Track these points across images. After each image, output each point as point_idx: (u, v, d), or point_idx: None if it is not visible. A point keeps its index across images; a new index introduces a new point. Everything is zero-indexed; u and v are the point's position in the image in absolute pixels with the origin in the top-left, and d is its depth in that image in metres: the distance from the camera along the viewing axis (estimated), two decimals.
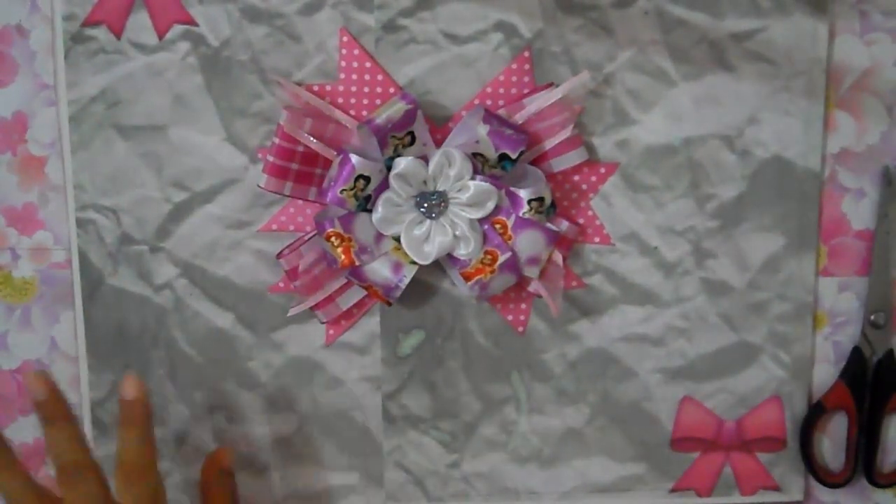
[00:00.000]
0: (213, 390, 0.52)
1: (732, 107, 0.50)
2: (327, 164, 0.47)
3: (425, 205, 0.47)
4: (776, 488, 0.54)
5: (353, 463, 0.53)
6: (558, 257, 0.49)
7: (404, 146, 0.46)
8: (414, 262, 0.47)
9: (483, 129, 0.46)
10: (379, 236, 0.47)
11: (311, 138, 0.46)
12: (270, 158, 0.46)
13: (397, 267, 0.47)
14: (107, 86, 0.49)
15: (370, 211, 0.47)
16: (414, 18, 0.49)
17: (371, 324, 0.51)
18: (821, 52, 0.50)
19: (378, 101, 0.49)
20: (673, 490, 0.54)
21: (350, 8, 0.49)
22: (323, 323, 0.50)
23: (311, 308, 0.49)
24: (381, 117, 0.45)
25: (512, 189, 0.47)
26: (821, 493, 0.54)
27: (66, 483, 0.41)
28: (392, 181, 0.46)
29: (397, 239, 0.47)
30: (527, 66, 0.49)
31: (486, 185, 0.47)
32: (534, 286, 0.49)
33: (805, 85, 0.50)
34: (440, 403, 0.52)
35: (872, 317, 0.52)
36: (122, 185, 0.50)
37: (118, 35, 0.49)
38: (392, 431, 0.52)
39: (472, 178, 0.47)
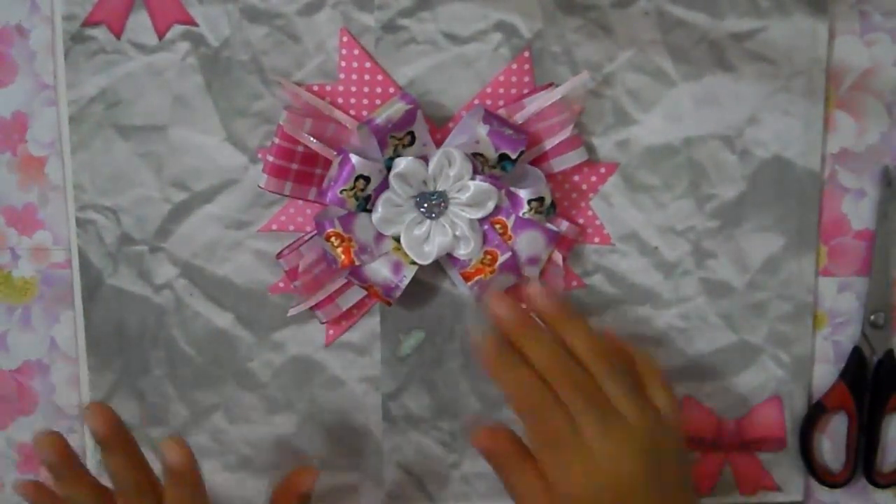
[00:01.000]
0: (213, 390, 0.52)
1: (732, 107, 0.50)
2: (327, 164, 0.47)
3: (425, 205, 0.47)
4: (776, 488, 0.54)
5: (353, 463, 0.53)
6: (558, 257, 0.49)
7: (404, 146, 0.46)
8: (414, 262, 0.47)
9: (483, 129, 0.46)
10: (379, 236, 0.47)
11: (311, 138, 0.46)
12: (270, 158, 0.46)
13: (397, 267, 0.47)
14: (107, 86, 0.49)
15: (370, 211, 0.47)
16: (414, 18, 0.49)
17: (371, 324, 0.51)
18: (821, 52, 0.50)
19: (378, 101, 0.49)
20: None
21: (350, 8, 0.49)
22: (323, 323, 0.50)
23: (311, 308, 0.49)
24: (381, 117, 0.45)
25: (512, 189, 0.47)
26: (821, 493, 0.54)
27: (125, 501, 0.41)
28: (392, 181, 0.46)
29: (397, 239, 0.47)
30: (527, 66, 0.49)
31: (486, 186, 0.47)
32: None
33: (805, 85, 0.50)
34: (440, 403, 0.52)
35: (872, 317, 0.52)
36: (122, 185, 0.50)
37: (118, 35, 0.49)
38: (392, 431, 0.52)
39: (472, 178, 0.47)
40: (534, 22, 0.49)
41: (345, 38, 0.49)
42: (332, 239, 0.46)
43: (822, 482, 0.53)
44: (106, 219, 0.50)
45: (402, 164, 0.46)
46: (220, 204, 0.50)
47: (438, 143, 0.48)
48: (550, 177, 0.49)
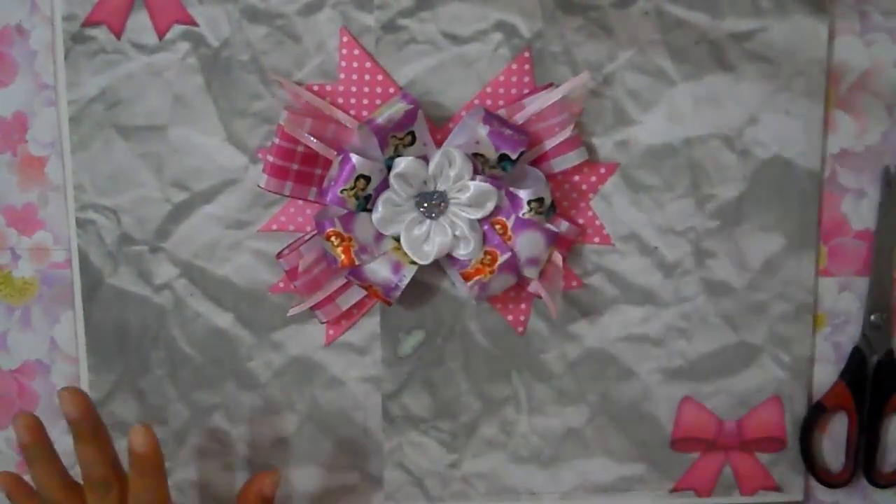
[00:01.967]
0: (212, 390, 0.52)
1: (732, 107, 0.50)
2: (327, 164, 0.47)
3: (425, 205, 0.47)
4: (776, 488, 0.54)
5: (353, 463, 0.53)
6: (558, 258, 0.49)
7: (404, 146, 0.46)
8: (414, 262, 0.47)
9: (483, 130, 0.46)
10: (379, 236, 0.47)
11: (312, 138, 0.46)
12: (270, 158, 0.46)
13: (397, 267, 0.47)
14: (107, 86, 0.49)
15: (370, 211, 0.47)
16: (414, 18, 0.49)
17: (371, 324, 0.51)
18: (821, 52, 0.50)
19: (378, 101, 0.49)
20: (673, 490, 0.54)
21: (350, 8, 0.49)
22: (323, 323, 0.50)
23: (311, 308, 0.49)
24: (382, 117, 0.45)
25: (512, 189, 0.47)
26: (821, 493, 0.54)
27: (92, 493, 0.42)
28: (392, 181, 0.46)
29: (397, 239, 0.47)
30: (527, 66, 0.49)
31: (486, 186, 0.47)
32: (533, 286, 0.49)
33: (805, 85, 0.50)
34: (440, 403, 0.52)
35: (872, 317, 0.52)
36: (122, 185, 0.50)
37: (118, 35, 0.49)
38: (392, 431, 0.52)
39: (472, 179, 0.47)
40: (534, 22, 0.49)
41: (345, 38, 0.49)
42: (332, 238, 0.46)
43: (822, 482, 0.53)
44: (106, 219, 0.50)
45: (402, 163, 0.46)
46: (220, 204, 0.50)
47: (438, 143, 0.48)
48: (550, 177, 0.49)
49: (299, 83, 0.49)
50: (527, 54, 0.49)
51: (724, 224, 0.51)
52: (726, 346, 0.52)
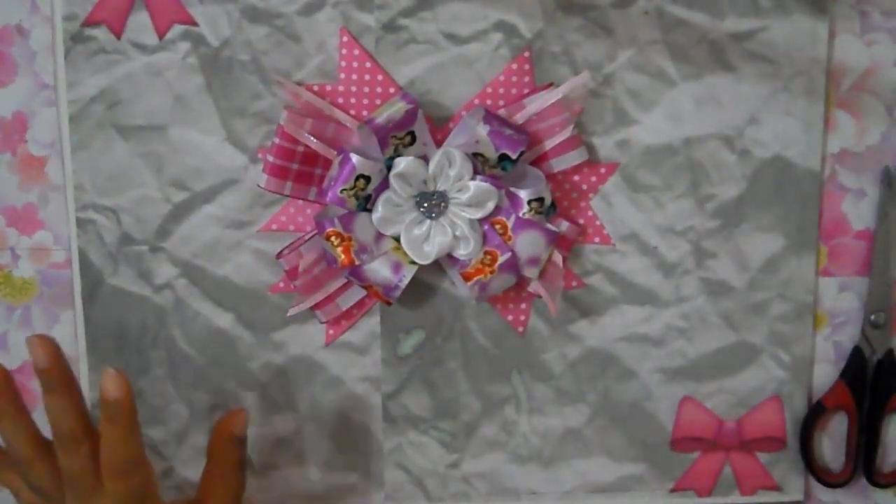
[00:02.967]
0: (212, 390, 0.52)
1: (732, 107, 0.50)
2: (327, 164, 0.47)
3: (425, 205, 0.47)
4: (776, 488, 0.54)
5: (353, 463, 0.53)
6: (558, 257, 0.49)
7: (404, 146, 0.46)
8: (414, 262, 0.47)
9: (483, 130, 0.46)
10: (379, 236, 0.47)
11: (312, 138, 0.46)
12: (270, 158, 0.46)
13: (397, 267, 0.47)
14: (107, 86, 0.49)
15: (370, 211, 0.47)
16: (414, 18, 0.49)
17: (371, 324, 0.51)
18: (821, 52, 0.50)
19: (378, 101, 0.49)
20: (673, 490, 0.54)
21: (350, 8, 0.49)
22: (323, 323, 0.50)
23: (311, 308, 0.49)
24: (382, 117, 0.45)
25: (512, 189, 0.47)
26: (821, 493, 0.54)
27: (62, 450, 0.40)
28: (392, 181, 0.46)
29: (397, 239, 0.47)
30: (527, 66, 0.49)
31: (486, 186, 0.47)
32: (533, 286, 0.49)
33: (805, 85, 0.50)
34: (440, 403, 0.52)
35: (872, 317, 0.52)
36: (122, 185, 0.50)
37: (118, 35, 0.49)
38: (392, 431, 0.52)
39: (473, 179, 0.47)
40: (534, 22, 0.49)
41: (345, 38, 0.49)
42: (332, 238, 0.46)
43: (822, 482, 0.53)
44: (106, 219, 0.50)
45: (402, 163, 0.46)
46: (220, 204, 0.50)
47: (438, 143, 0.48)
48: (550, 177, 0.49)
49: (299, 83, 0.49)
50: (527, 54, 0.49)
51: (724, 224, 0.51)
52: (726, 345, 0.52)
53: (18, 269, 0.51)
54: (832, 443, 0.54)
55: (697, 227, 0.51)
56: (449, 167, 0.46)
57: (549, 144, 0.48)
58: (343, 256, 0.46)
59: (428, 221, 0.47)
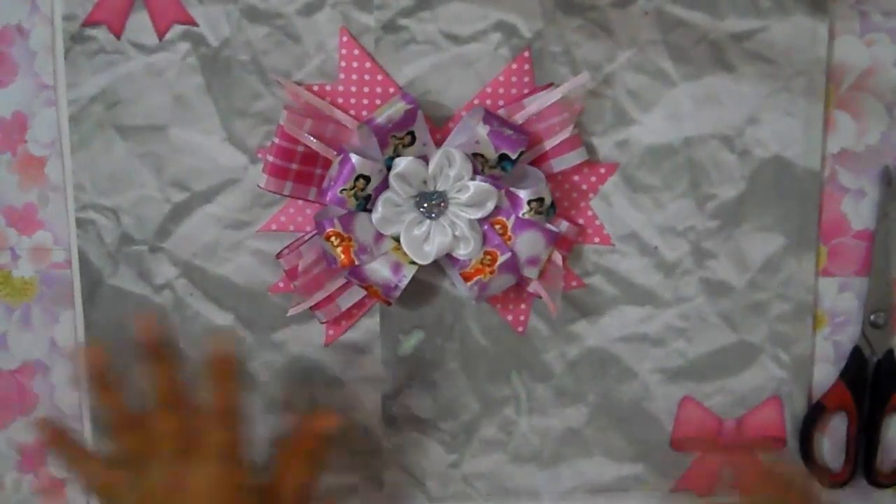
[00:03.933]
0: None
1: (732, 107, 0.50)
2: (327, 164, 0.47)
3: (425, 205, 0.47)
4: None
5: (353, 463, 0.53)
6: (558, 258, 0.49)
7: (404, 146, 0.46)
8: (413, 262, 0.47)
9: (483, 130, 0.46)
10: (379, 236, 0.47)
11: (311, 138, 0.46)
12: (270, 158, 0.46)
13: (397, 267, 0.47)
14: (107, 86, 0.49)
15: (370, 211, 0.47)
16: (414, 18, 0.49)
17: (371, 324, 0.51)
18: (821, 52, 0.50)
19: (378, 101, 0.49)
20: (673, 490, 0.54)
21: (350, 8, 0.49)
22: (323, 323, 0.50)
23: (311, 308, 0.49)
24: (382, 117, 0.45)
25: (512, 189, 0.47)
26: (821, 493, 0.54)
27: (162, 413, 0.42)
28: (392, 181, 0.46)
29: (397, 239, 0.47)
30: (527, 66, 0.49)
31: (486, 186, 0.47)
32: (533, 286, 0.49)
33: (805, 85, 0.50)
34: (440, 403, 0.52)
35: (872, 317, 0.52)
36: (122, 185, 0.50)
37: (118, 35, 0.49)
38: (392, 431, 0.52)
39: (472, 179, 0.47)
40: (534, 22, 0.49)
41: (345, 38, 0.49)
42: (332, 238, 0.46)
43: (822, 482, 0.53)
44: (106, 219, 0.50)
45: (402, 163, 0.46)
46: (220, 204, 0.50)
47: (438, 143, 0.48)
48: (550, 177, 0.49)
49: (299, 83, 0.49)
50: (527, 54, 0.49)
51: (724, 224, 0.51)
52: (726, 345, 0.52)
53: (18, 269, 0.51)
54: (832, 443, 0.54)
55: (697, 227, 0.51)
56: (449, 167, 0.46)
57: (549, 144, 0.48)
58: (343, 256, 0.46)
59: (428, 221, 0.47)
